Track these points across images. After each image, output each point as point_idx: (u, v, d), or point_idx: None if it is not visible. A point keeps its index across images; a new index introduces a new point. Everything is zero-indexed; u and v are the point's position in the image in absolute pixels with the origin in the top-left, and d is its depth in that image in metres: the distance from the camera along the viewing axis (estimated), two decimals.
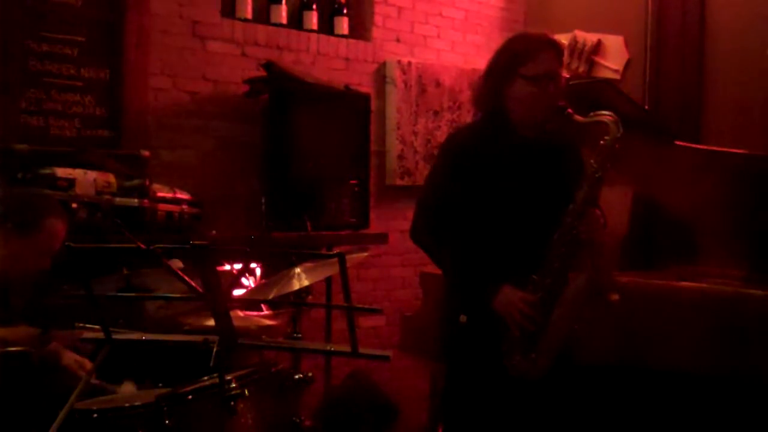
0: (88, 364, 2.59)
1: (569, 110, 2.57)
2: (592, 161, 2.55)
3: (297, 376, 3.05)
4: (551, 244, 2.55)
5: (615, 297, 2.55)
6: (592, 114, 2.57)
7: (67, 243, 2.40)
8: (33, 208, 2.67)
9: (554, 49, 2.63)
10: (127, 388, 2.69)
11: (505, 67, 2.62)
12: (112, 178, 3.36)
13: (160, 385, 2.79)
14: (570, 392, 2.67)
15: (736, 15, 4.60)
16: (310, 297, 3.60)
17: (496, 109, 2.64)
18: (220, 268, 2.80)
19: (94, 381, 2.53)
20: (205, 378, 2.66)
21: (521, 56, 2.59)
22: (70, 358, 2.64)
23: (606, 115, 2.54)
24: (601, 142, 2.54)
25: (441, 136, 4.76)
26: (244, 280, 3.69)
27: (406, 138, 4.90)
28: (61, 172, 3.24)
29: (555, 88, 2.58)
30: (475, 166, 2.62)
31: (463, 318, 2.63)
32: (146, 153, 3.66)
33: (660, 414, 3.30)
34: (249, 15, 4.29)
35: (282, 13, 4.44)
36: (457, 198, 2.64)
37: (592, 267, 2.55)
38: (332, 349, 2.74)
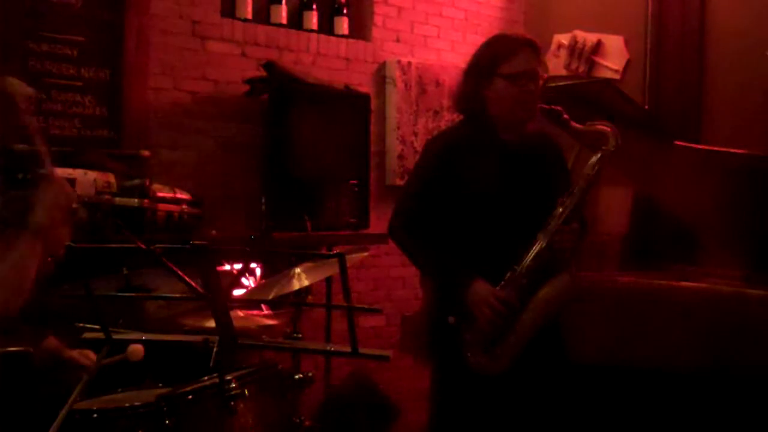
0: (92, 355, 2.60)
1: (565, 116, 2.58)
2: (588, 169, 2.56)
3: (297, 376, 3.04)
4: (531, 247, 2.56)
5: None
6: (589, 123, 2.59)
7: (67, 243, 2.40)
8: None
9: (532, 49, 2.64)
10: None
11: (483, 67, 2.63)
12: (112, 178, 3.36)
13: (160, 385, 2.79)
14: (563, 392, 2.68)
15: (736, 15, 4.60)
16: (310, 297, 3.60)
17: (476, 111, 2.65)
18: (220, 268, 2.80)
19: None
20: (205, 378, 2.66)
21: (500, 56, 2.60)
22: (72, 351, 2.64)
23: (604, 126, 2.56)
24: (601, 150, 2.55)
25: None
26: (244, 280, 3.69)
27: (406, 138, 4.90)
28: (61, 172, 3.23)
29: (535, 86, 2.59)
30: (457, 168, 2.63)
31: (451, 319, 2.63)
32: (146, 153, 3.66)
33: (659, 414, 3.30)
34: (249, 15, 4.29)
35: (282, 13, 4.44)
36: (437, 200, 2.65)
37: (574, 271, 2.57)
38: (332, 349, 2.75)
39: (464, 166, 2.62)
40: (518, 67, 2.57)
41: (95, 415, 2.50)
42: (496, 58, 2.60)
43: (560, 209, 2.55)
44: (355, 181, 4.41)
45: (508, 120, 2.63)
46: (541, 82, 2.63)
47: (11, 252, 2.38)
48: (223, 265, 3.29)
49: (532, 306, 2.56)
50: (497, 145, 2.65)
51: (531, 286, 2.56)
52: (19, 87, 2.38)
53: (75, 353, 2.64)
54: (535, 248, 2.55)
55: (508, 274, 2.56)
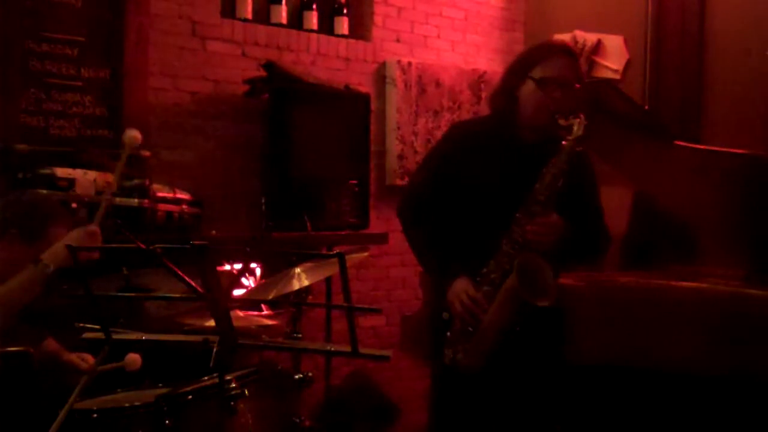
0: (90, 359, 2.60)
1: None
2: (549, 166, 2.54)
3: (297, 376, 3.05)
4: (503, 240, 2.55)
5: (543, 303, 2.48)
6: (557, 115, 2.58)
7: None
8: (39, 215, 2.66)
9: (568, 57, 2.66)
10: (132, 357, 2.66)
11: (518, 68, 2.67)
12: (112, 178, 3.36)
13: (160, 385, 2.79)
14: (560, 391, 2.68)
15: (736, 15, 4.60)
16: (310, 297, 3.60)
17: (506, 108, 2.68)
18: (220, 268, 2.81)
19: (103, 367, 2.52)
20: (205, 378, 2.66)
21: (533, 59, 2.64)
22: (71, 353, 2.65)
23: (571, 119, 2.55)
24: (564, 142, 2.54)
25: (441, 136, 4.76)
26: (244, 280, 3.69)
27: (406, 138, 4.90)
28: (61, 172, 3.24)
29: (562, 95, 2.58)
30: (469, 159, 2.66)
31: (445, 315, 2.63)
32: (146, 153, 3.66)
33: (659, 414, 3.30)
34: (249, 15, 4.29)
35: (282, 13, 4.44)
36: (445, 186, 2.68)
37: (521, 269, 2.51)
38: (332, 349, 2.75)
39: (476, 157, 2.66)
40: (549, 72, 2.58)
41: (95, 415, 2.50)
42: (531, 61, 2.64)
43: (529, 201, 2.53)
44: (355, 181, 4.41)
45: (530, 122, 2.64)
46: (574, 91, 2.61)
47: (11, 279, 2.40)
48: (223, 265, 3.30)
49: (496, 301, 2.55)
50: (515, 143, 2.66)
51: (501, 280, 2.54)
52: (134, 140, 2.50)
53: (73, 357, 2.64)
54: (503, 242, 2.54)
55: (484, 269, 2.56)
